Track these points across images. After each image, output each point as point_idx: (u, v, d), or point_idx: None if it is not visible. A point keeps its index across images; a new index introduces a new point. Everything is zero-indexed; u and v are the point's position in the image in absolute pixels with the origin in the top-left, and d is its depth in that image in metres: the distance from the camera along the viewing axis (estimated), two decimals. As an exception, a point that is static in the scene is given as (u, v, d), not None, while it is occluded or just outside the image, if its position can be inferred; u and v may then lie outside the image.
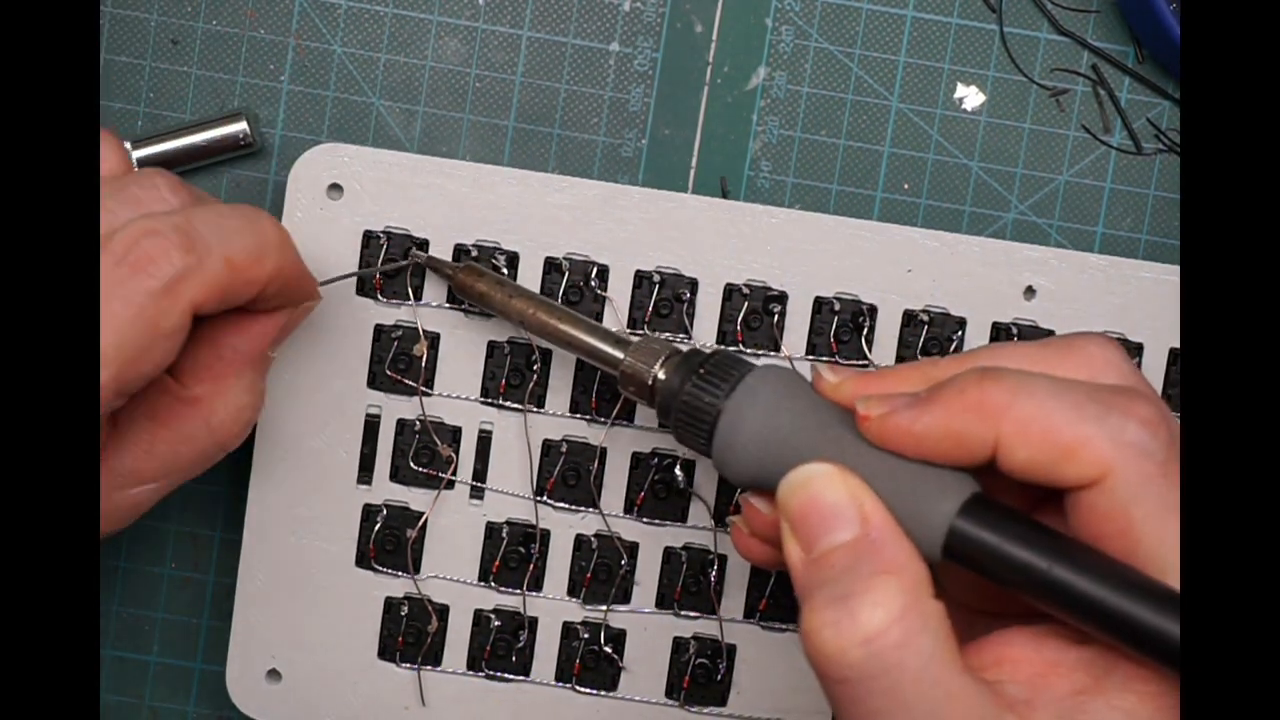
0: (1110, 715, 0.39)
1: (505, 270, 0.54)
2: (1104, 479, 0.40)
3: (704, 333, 0.55)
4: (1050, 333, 0.55)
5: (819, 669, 0.40)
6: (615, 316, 0.55)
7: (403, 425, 0.55)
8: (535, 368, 0.55)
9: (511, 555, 0.55)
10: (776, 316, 0.55)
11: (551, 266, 0.54)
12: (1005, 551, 0.40)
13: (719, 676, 0.56)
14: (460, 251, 0.54)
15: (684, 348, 0.48)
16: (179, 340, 0.45)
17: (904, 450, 0.42)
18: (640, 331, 0.54)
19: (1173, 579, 0.39)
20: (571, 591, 0.56)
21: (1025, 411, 0.40)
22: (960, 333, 0.55)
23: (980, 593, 0.44)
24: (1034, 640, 0.41)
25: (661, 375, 0.48)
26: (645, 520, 0.55)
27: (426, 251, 0.54)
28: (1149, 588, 0.39)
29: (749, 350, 0.55)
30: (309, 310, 0.51)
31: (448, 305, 0.55)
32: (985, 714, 0.39)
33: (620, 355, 0.49)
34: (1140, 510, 0.39)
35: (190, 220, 0.45)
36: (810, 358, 0.55)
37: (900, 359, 0.55)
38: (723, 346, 0.47)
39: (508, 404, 0.55)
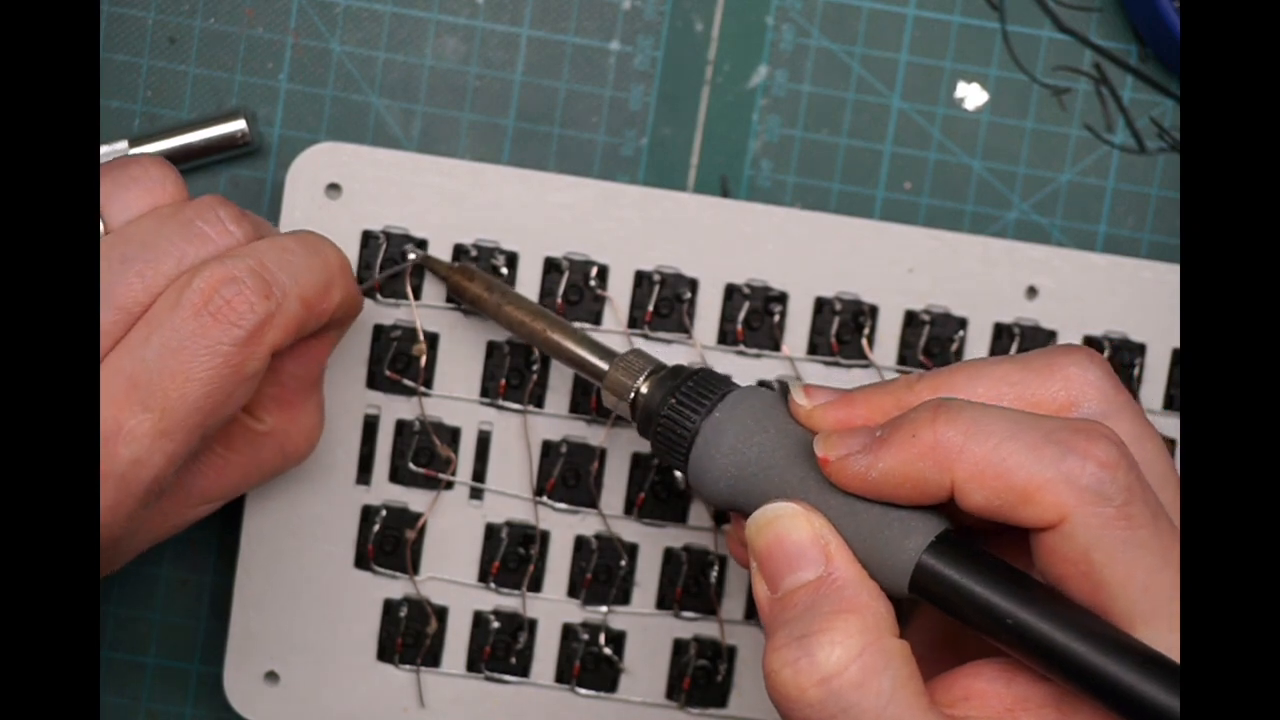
0: None
1: (505, 270, 0.54)
2: (1062, 523, 0.39)
3: (704, 333, 0.54)
4: (1053, 333, 0.54)
5: (780, 707, 0.40)
6: (615, 316, 0.54)
7: (402, 425, 0.55)
8: (535, 368, 0.54)
9: (511, 556, 0.55)
10: (777, 316, 0.54)
11: (551, 266, 0.54)
12: (970, 592, 0.40)
13: (719, 678, 0.56)
14: (460, 251, 0.54)
15: (670, 364, 0.48)
16: (256, 382, 0.46)
17: (863, 494, 0.42)
18: (639, 332, 0.54)
19: (1136, 620, 0.39)
20: (571, 592, 0.56)
21: (979, 454, 0.40)
22: (962, 333, 0.54)
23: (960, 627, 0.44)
24: (1003, 674, 0.41)
25: (644, 391, 0.47)
26: (645, 521, 0.55)
27: (426, 251, 0.54)
28: (1110, 638, 0.39)
29: (750, 350, 0.54)
30: (354, 320, 0.51)
31: (447, 305, 0.54)
32: None
33: (605, 367, 0.49)
34: (1100, 554, 0.39)
35: (264, 262, 0.45)
36: (810, 358, 0.54)
37: (901, 359, 0.55)
38: (708, 364, 0.47)
39: (507, 404, 0.55)
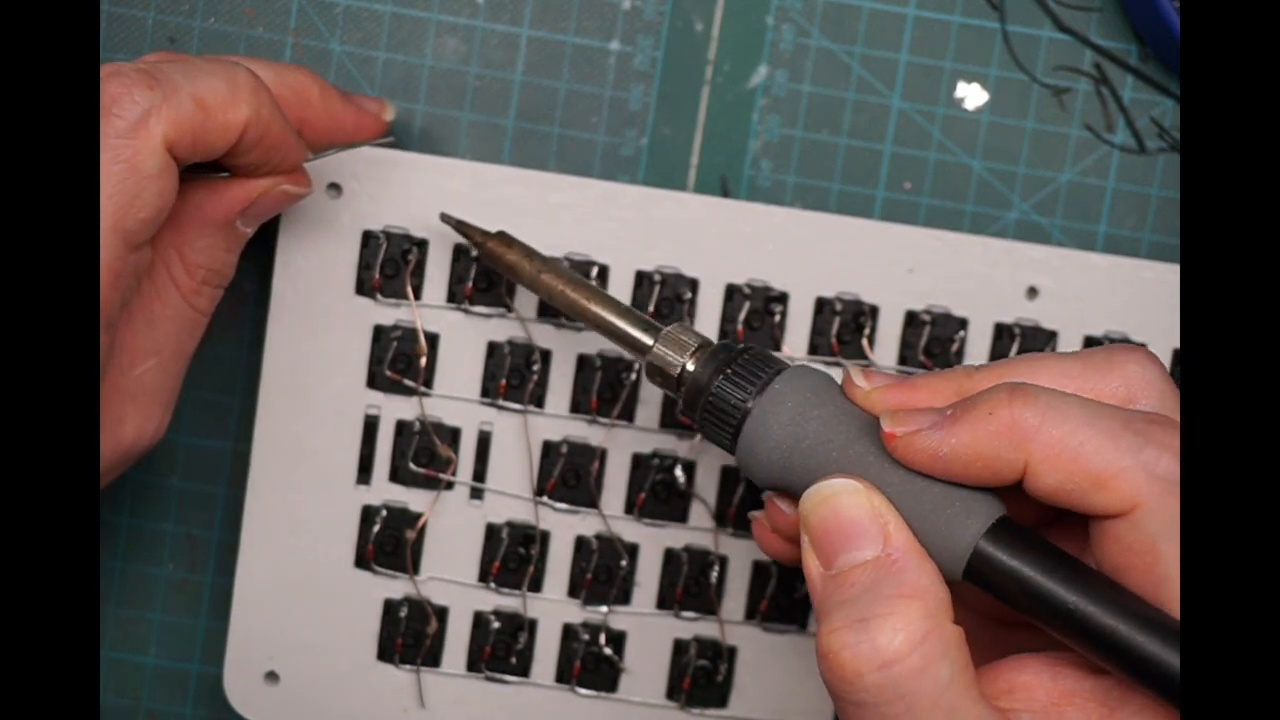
0: None
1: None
2: (1133, 511, 0.39)
3: (705, 333, 0.54)
4: (1053, 334, 0.54)
5: (834, 689, 0.40)
6: (615, 316, 0.54)
7: (402, 426, 0.55)
8: (535, 368, 0.54)
9: (511, 556, 0.55)
10: (778, 316, 0.54)
11: (551, 266, 0.54)
12: (1028, 579, 0.40)
13: (719, 678, 0.56)
14: (460, 251, 0.54)
15: (715, 340, 0.47)
16: (166, 184, 0.45)
17: (930, 470, 0.41)
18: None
19: None
20: (572, 593, 0.56)
21: (1057, 437, 0.40)
22: (962, 333, 0.54)
23: (1002, 606, 0.44)
24: (1049, 668, 0.41)
25: (690, 367, 0.46)
26: (646, 521, 0.55)
27: (427, 252, 0.54)
28: (1171, 629, 0.38)
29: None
30: (293, 196, 0.50)
31: (448, 305, 0.54)
32: None
33: (650, 341, 0.48)
34: (1168, 545, 0.39)
35: (156, 65, 0.46)
36: (811, 358, 0.54)
37: (902, 359, 0.55)
38: (753, 345, 0.46)
39: (508, 404, 0.55)
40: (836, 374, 0.55)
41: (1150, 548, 0.39)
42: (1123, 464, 0.39)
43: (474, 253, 0.53)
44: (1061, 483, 0.40)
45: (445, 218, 0.53)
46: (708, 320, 0.54)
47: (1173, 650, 0.38)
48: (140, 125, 0.45)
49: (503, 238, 0.52)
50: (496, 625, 0.56)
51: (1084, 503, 0.40)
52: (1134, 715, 0.39)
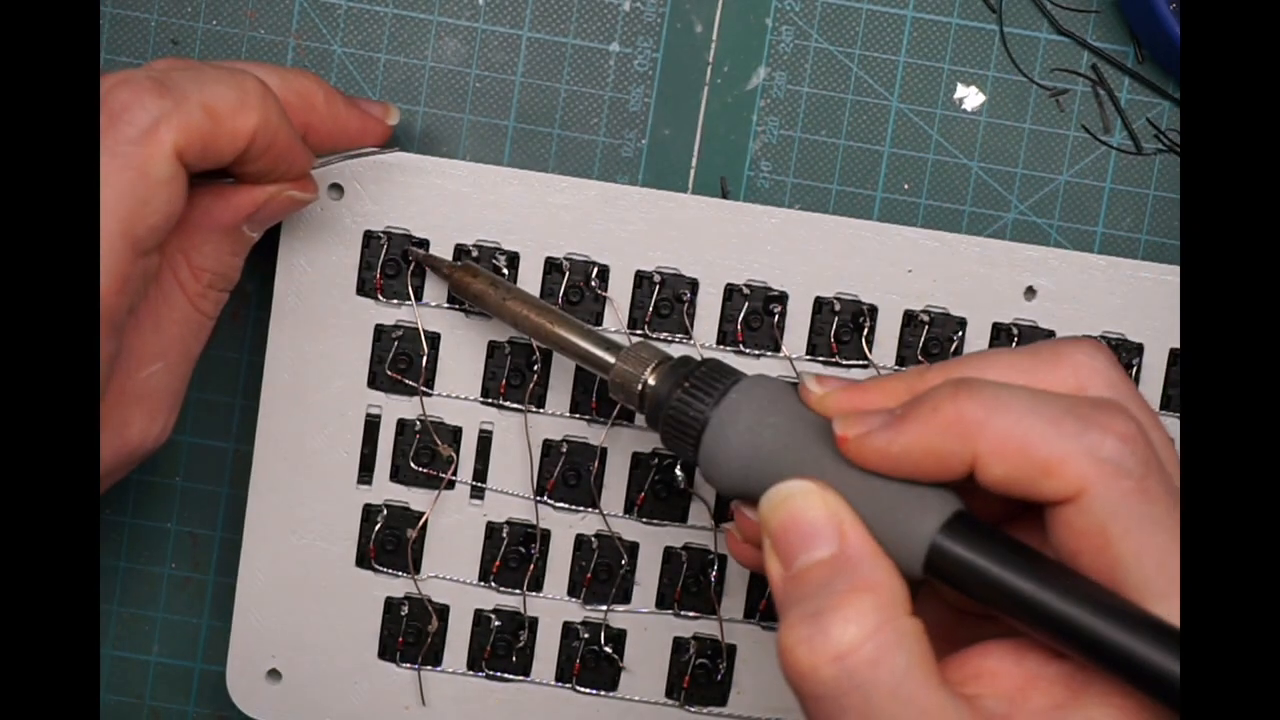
0: None
1: (505, 271, 0.54)
2: (1081, 496, 0.40)
3: (704, 333, 0.55)
4: (1051, 333, 0.55)
5: (794, 686, 0.40)
6: (616, 316, 0.55)
7: (403, 425, 0.55)
8: (536, 368, 0.55)
9: (512, 555, 0.55)
10: (777, 317, 0.55)
11: (552, 266, 0.54)
12: (985, 571, 0.40)
13: (719, 676, 0.56)
14: (461, 251, 0.54)
15: (675, 355, 0.48)
16: (175, 191, 0.45)
17: (883, 469, 0.42)
18: (639, 332, 0.55)
19: (1150, 596, 0.39)
20: (572, 591, 0.56)
21: (1001, 428, 0.40)
22: (961, 333, 0.55)
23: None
24: (1014, 653, 0.41)
25: (651, 382, 0.48)
26: (645, 520, 0.55)
27: (427, 251, 0.54)
28: (1125, 612, 0.39)
29: (750, 350, 0.55)
30: (299, 202, 0.51)
31: (448, 305, 0.55)
32: None
33: (611, 360, 0.49)
34: (1117, 527, 0.39)
35: (166, 72, 0.46)
36: (810, 358, 0.55)
37: (900, 359, 0.55)
38: (714, 356, 0.47)
39: (508, 404, 0.55)
40: (803, 383, 0.55)
41: (1100, 531, 0.39)
42: (1067, 449, 0.40)
43: (445, 270, 0.54)
44: (1009, 472, 0.40)
45: (411, 253, 0.54)
46: (707, 320, 0.55)
47: (1130, 635, 0.38)
48: (150, 133, 0.45)
49: (467, 268, 0.53)
50: (497, 624, 0.56)
51: (1033, 491, 0.40)
52: (1098, 698, 0.39)
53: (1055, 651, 0.40)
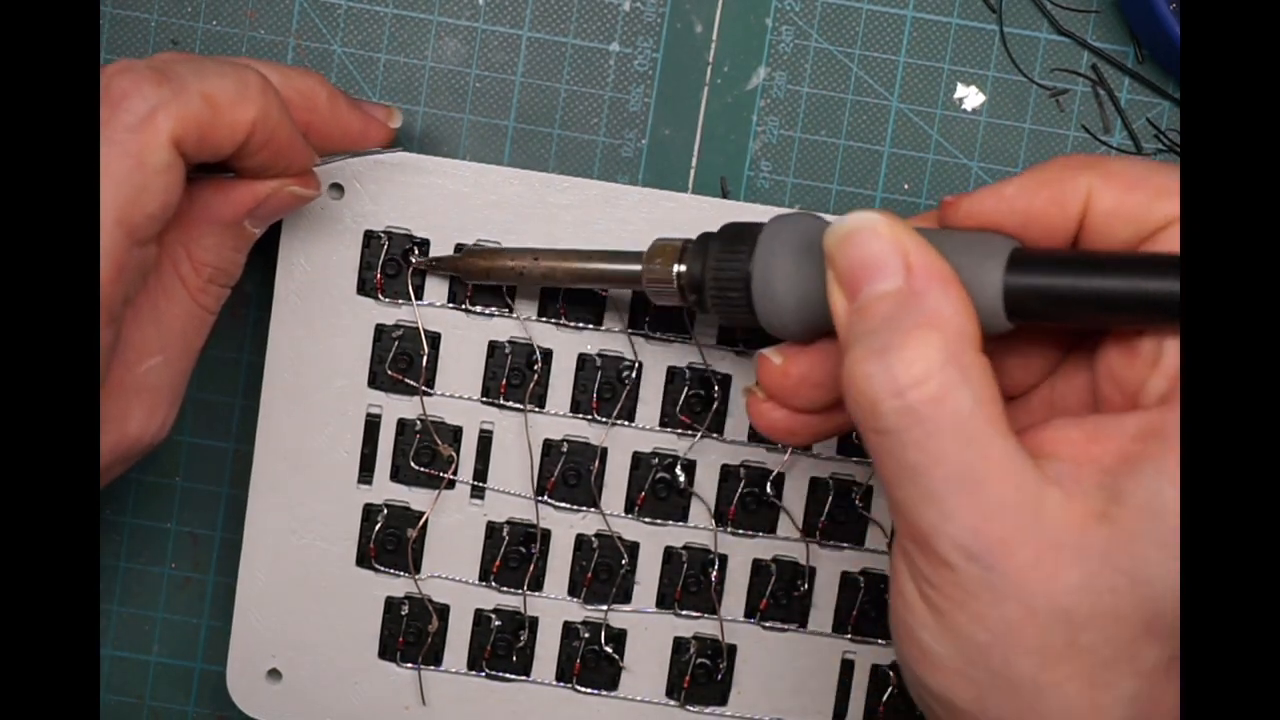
0: (1156, 481, 0.39)
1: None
2: None
3: (704, 333, 0.55)
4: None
5: (858, 418, 0.40)
6: (617, 316, 0.55)
7: (403, 425, 0.55)
8: (536, 368, 0.55)
9: (512, 555, 0.56)
10: (777, 316, 0.55)
11: (552, 266, 0.54)
12: (1066, 284, 0.40)
13: (719, 676, 0.56)
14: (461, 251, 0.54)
15: (691, 239, 0.49)
16: (172, 181, 0.45)
17: (994, 220, 0.42)
18: (640, 332, 0.55)
19: None
20: (572, 591, 0.56)
21: (1115, 166, 0.41)
22: (960, 332, 0.55)
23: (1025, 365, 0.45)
24: (1080, 425, 0.41)
25: (682, 269, 0.48)
26: (646, 520, 0.56)
27: (428, 251, 0.54)
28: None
29: (749, 350, 0.55)
30: (301, 198, 0.51)
31: (448, 305, 0.55)
32: (1024, 481, 0.39)
33: (638, 268, 0.50)
34: None
35: (166, 63, 0.46)
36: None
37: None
38: (729, 221, 0.48)
39: (508, 404, 0.55)
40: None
41: None
42: (1177, 177, 0.40)
43: (453, 265, 0.54)
44: (1122, 198, 0.41)
45: (420, 262, 0.54)
46: (707, 319, 0.55)
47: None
48: (148, 120, 0.45)
49: (471, 252, 0.53)
50: (497, 624, 0.56)
51: (1146, 215, 0.40)
52: (1168, 449, 0.39)
53: (1124, 414, 0.40)
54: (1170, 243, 0.40)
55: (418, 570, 0.56)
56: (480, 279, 0.54)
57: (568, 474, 0.55)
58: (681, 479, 0.55)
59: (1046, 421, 0.41)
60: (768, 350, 0.46)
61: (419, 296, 0.55)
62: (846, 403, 0.40)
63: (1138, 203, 0.40)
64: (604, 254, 0.51)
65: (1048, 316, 0.41)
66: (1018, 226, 0.42)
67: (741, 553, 0.56)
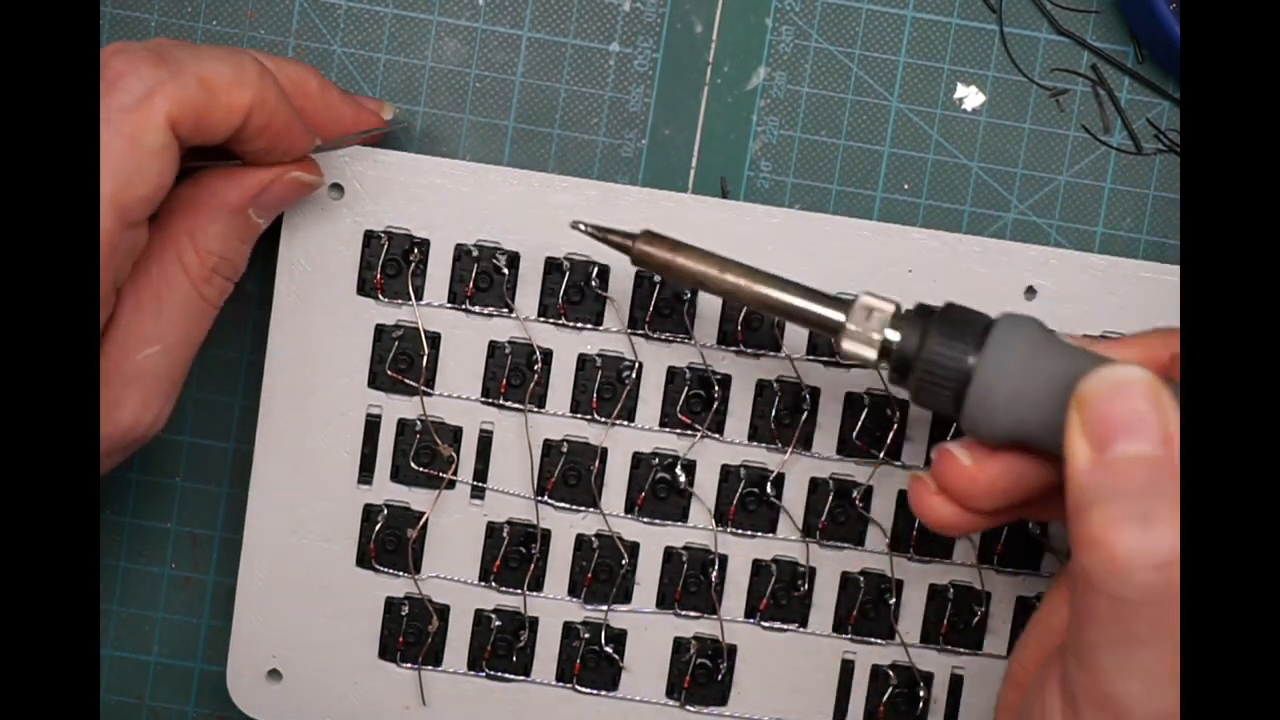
0: None
1: (506, 271, 0.54)
2: None
3: (704, 332, 0.55)
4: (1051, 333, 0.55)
5: (1099, 579, 0.39)
6: (616, 316, 0.55)
7: (403, 425, 0.55)
8: (536, 368, 0.55)
9: (512, 555, 0.56)
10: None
11: (552, 266, 0.54)
12: None
13: (719, 676, 0.56)
14: (461, 251, 0.54)
15: (902, 303, 0.46)
16: (166, 162, 0.45)
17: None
18: (640, 332, 0.55)
19: None
20: (572, 591, 0.56)
21: None
22: (960, 332, 0.55)
23: None
24: None
25: (894, 336, 0.45)
26: (646, 520, 0.55)
27: (427, 250, 0.54)
28: None
29: (749, 350, 0.55)
30: (305, 185, 0.51)
31: (449, 305, 0.55)
32: None
33: (839, 316, 0.46)
34: None
35: (163, 45, 0.46)
36: (811, 358, 0.55)
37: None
38: (951, 302, 0.45)
39: (508, 404, 0.55)
40: (836, 378, 0.55)
41: None
42: None
43: (629, 248, 0.49)
44: None
45: (576, 225, 0.49)
46: (707, 319, 0.55)
47: None
48: (144, 101, 0.45)
49: (651, 236, 0.48)
50: (497, 624, 0.56)
51: None
52: None
53: None
54: None
55: (418, 570, 0.56)
56: (657, 270, 0.48)
57: (568, 474, 0.55)
58: (681, 479, 0.55)
59: None
60: (954, 447, 0.45)
61: (419, 297, 0.55)
62: (1083, 557, 0.39)
63: None
64: (801, 288, 0.47)
65: None
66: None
67: (741, 553, 0.56)
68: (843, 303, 0.46)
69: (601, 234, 0.49)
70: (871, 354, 0.45)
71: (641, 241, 0.48)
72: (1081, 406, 0.41)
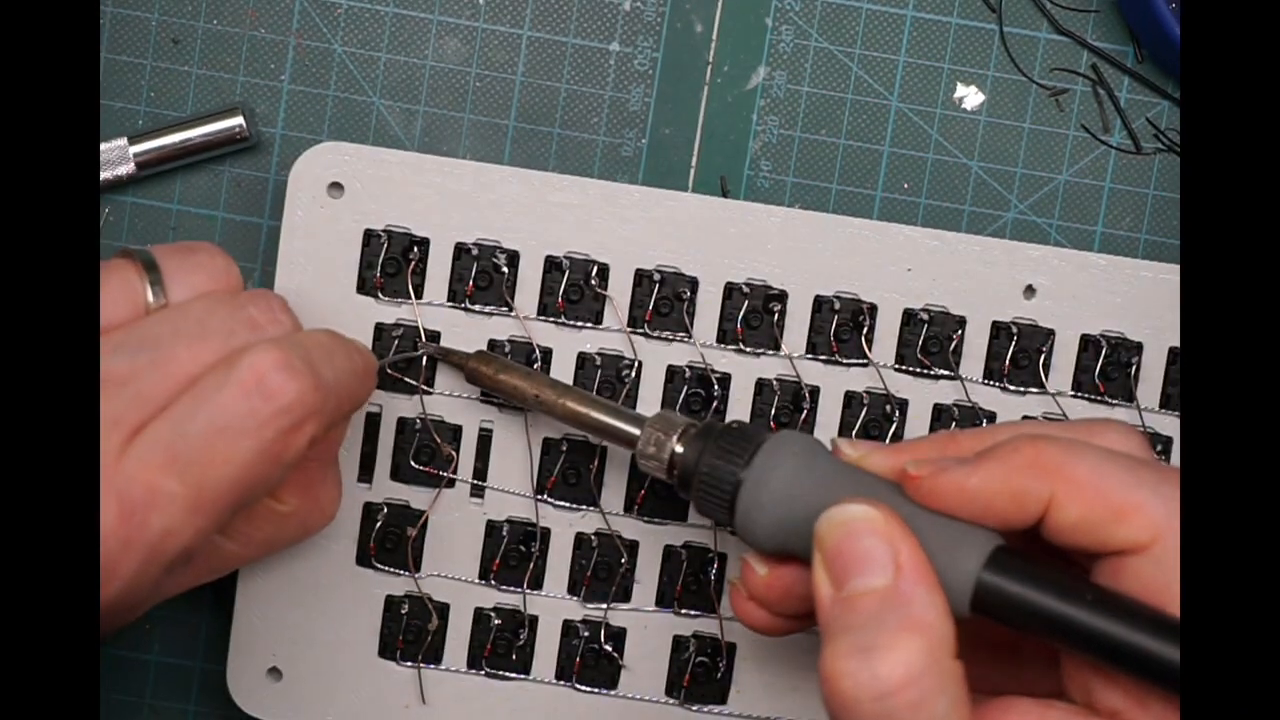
0: None
1: (505, 270, 0.54)
2: (1153, 545, 0.40)
3: (704, 331, 0.55)
4: (1051, 332, 0.55)
5: (832, 713, 0.40)
6: (615, 315, 0.55)
7: (403, 424, 0.55)
8: (535, 367, 0.55)
9: (512, 553, 0.56)
10: (776, 315, 0.55)
11: (552, 265, 0.55)
12: (1038, 603, 0.40)
13: (719, 675, 0.56)
14: (461, 250, 0.54)
15: (698, 423, 0.49)
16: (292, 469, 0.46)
17: (954, 508, 0.42)
18: (640, 331, 0.55)
19: None
20: (572, 590, 0.56)
21: (1080, 472, 0.41)
22: (960, 332, 0.55)
23: (1010, 637, 0.44)
24: (1038, 710, 0.41)
25: (679, 449, 0.48)
26: (645, 519, 0.56)
27: (426, 249, 0.54)
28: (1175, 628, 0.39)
29: (749, 349, 0.55)
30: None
31: (449, 304, 0.55)
32: None
33: (635, 431, 0.50)
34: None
35: (312, 355, 0.46)
36: (810, 357, 0.55)
37: (900, 358, 0.55)
38: (737, 420, 0.49)
39: (508, 403, 0.55)
40: (837, 376, 0.55)
41: (1167, 585, 0.40)
42: (1143, 497, 0.40)
43: (462, 365, 0.54)
44: (1084, 515, 0.41)
45: (428, 348, 0.54)
46: (707, 319, 0.55)
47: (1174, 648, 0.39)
48: (300, 426, 0.45)
49: (481, 356, 0.54)
50: (497, 622, 0.56)
51: (1105, 536, 0.40)
52: None
53: (1081, 710, 0.41)
54: (1125, 574, 0.40)
55: (418, 569, 0.56)
56: (484, 385, 0.54)
57: (567, 472, 0.55)
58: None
59: (1006, 699, 0.42)
60: (752, 559, 0.47)
61: (419, 295, 0.55)
62: (822, 693, 0.40)
63: (1098, 521, 0.41)
64: (607, 406, 0.52)
65: (1015, 626, 0.41)
66: (976, 515, 0.42)
67: (741, 551, 0.56)
68: (642, 419, 0.50)
69: (442, 354, 0.54)
70: (661, 466, 0.49)
71: (473, 361, 0.53)
72: (819, 543, 0.42)
